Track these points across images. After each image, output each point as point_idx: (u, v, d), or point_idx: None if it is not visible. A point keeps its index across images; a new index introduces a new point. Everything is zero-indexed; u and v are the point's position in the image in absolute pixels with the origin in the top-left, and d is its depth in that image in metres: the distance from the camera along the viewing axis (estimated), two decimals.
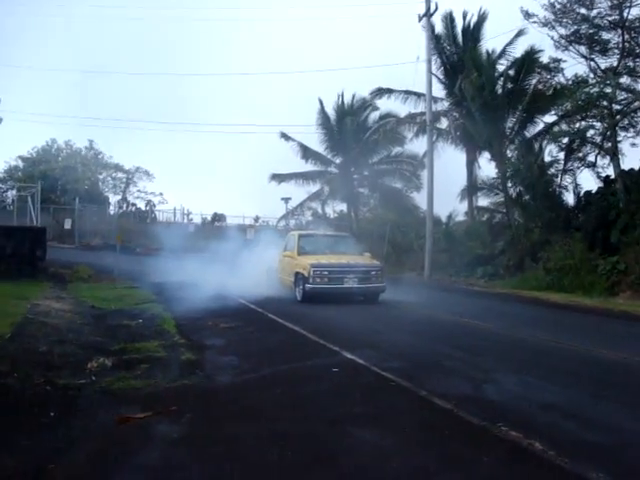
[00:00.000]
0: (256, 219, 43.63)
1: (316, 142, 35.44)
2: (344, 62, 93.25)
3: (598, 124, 21.23)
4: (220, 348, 8.65)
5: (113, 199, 53.43)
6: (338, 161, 35.70)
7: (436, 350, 8.89)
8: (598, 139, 21.74)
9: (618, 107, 20.32)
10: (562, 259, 19.20)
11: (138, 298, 14.41)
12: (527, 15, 21.53)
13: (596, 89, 19.38)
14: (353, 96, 34.99)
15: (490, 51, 25.89)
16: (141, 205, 52.54)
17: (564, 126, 22.88)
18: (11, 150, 76.58)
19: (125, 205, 51.51)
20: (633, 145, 21.80)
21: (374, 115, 34.67)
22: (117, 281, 18.11)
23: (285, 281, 16.33)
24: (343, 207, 38.74)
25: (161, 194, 54.61)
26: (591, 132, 21.52)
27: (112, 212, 46.26)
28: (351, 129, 33.48)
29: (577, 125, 21.86)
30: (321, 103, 35.11)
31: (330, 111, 35.13)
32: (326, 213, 40.98)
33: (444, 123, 29.75)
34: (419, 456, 4.51)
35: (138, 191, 56.53)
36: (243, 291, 15.20)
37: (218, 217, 43.56)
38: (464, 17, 27.88)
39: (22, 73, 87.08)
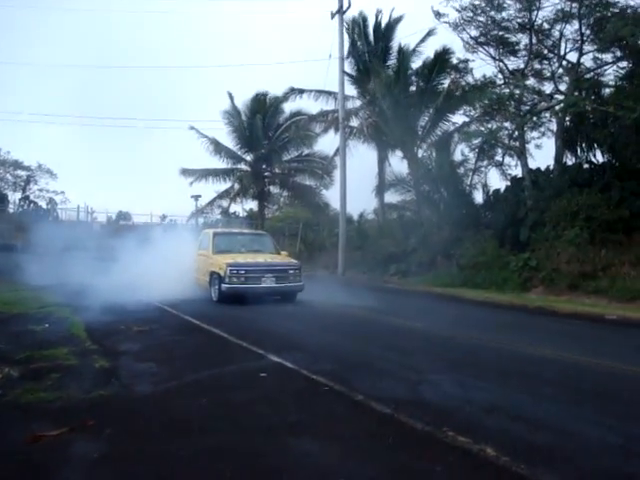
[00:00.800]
0: (163, 217, 42.40)
1: (228, 139, 34.84)
2: (260, 58, 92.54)
3: (507, 124, 21.82)
4: (136, 354, 7.97)
5: (13, 197, 50.47)
6: (249, 158, 35.21)
7: (365, 350, 8.61)
8: (506, 139, 22.35)
9: (526, 108, 20.94)
10: (475, 256, 19.61)
11: (42, 301, 13.44)
12: (438, 15, 21.71)
13: (506, 90, 19.86)
14: (262, 93, 34.55)
15: (403, 50, 26.04)
16: (42, 204, 49.88)
17: (473, 127, 23.39)
18: None
19: (26, 204, 48.83)
20: (537, 147, 22.59)
21: (286, 113, 34.48)
22: (18, 283, 17.03)
23: (200, 281, 15.73)
24: (254, 205, 38.28)
25: (63, 192, 52.12)
26: (501, 132, 22.07)
27: (12, 211, 43.68)
28: (262, 126, 33.05)
29: (489, 126, 22.37)
30: (231, 98, 34.51)
31: (242, 108, 34.56)
32: (235, 211, 40.35)
33: (356, 122, 29.87)
34: (366, 468, 4.12)
35: (39, 190, 53.57)
36: (155, 292, 14.46)
37: (123, 215, 41.87)
38: (376, 16, 28.08)
39: None
